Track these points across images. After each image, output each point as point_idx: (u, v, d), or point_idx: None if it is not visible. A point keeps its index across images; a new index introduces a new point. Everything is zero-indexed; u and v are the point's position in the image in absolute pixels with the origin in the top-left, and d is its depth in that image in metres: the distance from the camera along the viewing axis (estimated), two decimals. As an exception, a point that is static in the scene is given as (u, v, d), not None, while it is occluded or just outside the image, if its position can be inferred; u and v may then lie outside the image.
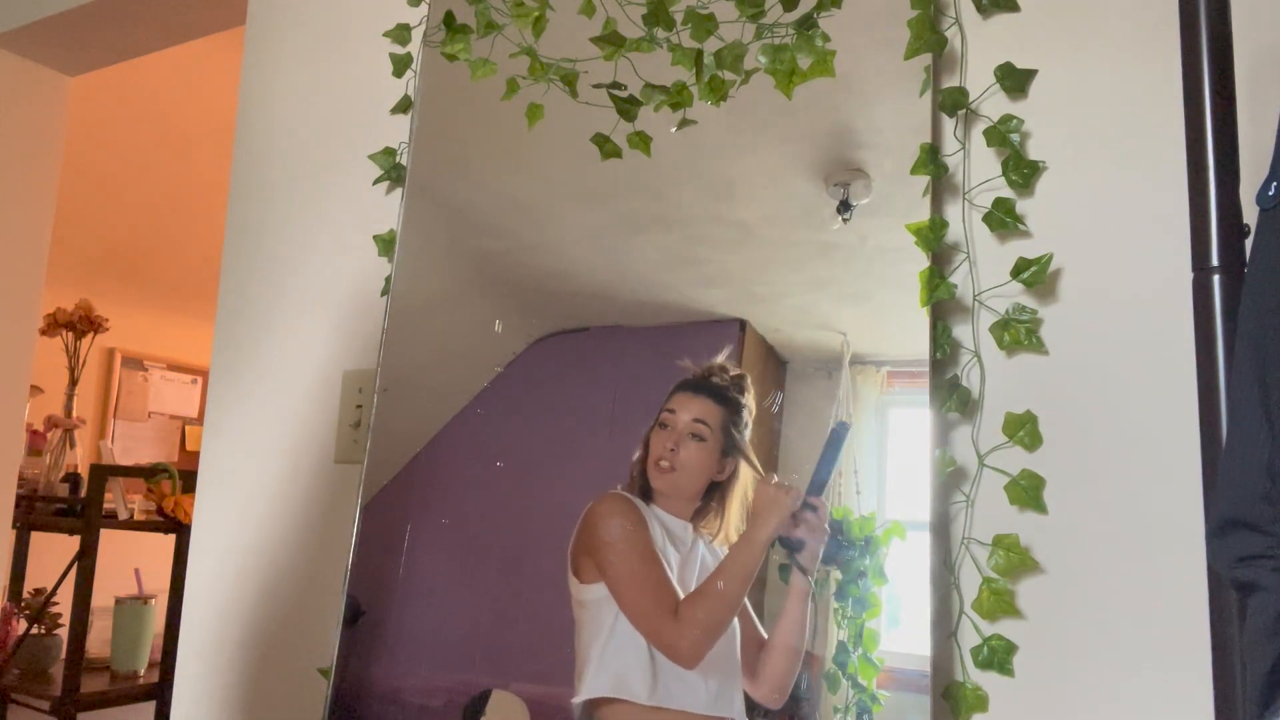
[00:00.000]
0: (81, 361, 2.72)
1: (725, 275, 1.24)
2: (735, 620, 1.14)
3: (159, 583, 2.55)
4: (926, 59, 1.16)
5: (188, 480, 2.48)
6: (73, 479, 2.60)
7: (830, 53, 1.22)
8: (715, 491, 1.20)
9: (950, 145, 1.15)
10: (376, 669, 1.32)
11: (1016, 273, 1.08)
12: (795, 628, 1.11)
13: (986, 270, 1.11)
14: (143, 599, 2.49)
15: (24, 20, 2.30)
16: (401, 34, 1.60)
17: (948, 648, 1.06)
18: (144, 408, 3.75)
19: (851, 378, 1.13)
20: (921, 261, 1.11)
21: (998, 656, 1.03)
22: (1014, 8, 1.15)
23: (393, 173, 1.56)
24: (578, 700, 1.17)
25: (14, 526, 2.46)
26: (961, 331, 1.12)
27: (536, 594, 1.26)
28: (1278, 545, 0.64)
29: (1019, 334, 1.07)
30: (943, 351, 1.10)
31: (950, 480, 1.09)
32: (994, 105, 1.14)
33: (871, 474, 1.11)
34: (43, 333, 2.61)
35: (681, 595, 1.16)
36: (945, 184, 1.15)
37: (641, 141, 1.33)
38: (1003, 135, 1.12)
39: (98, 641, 2.51)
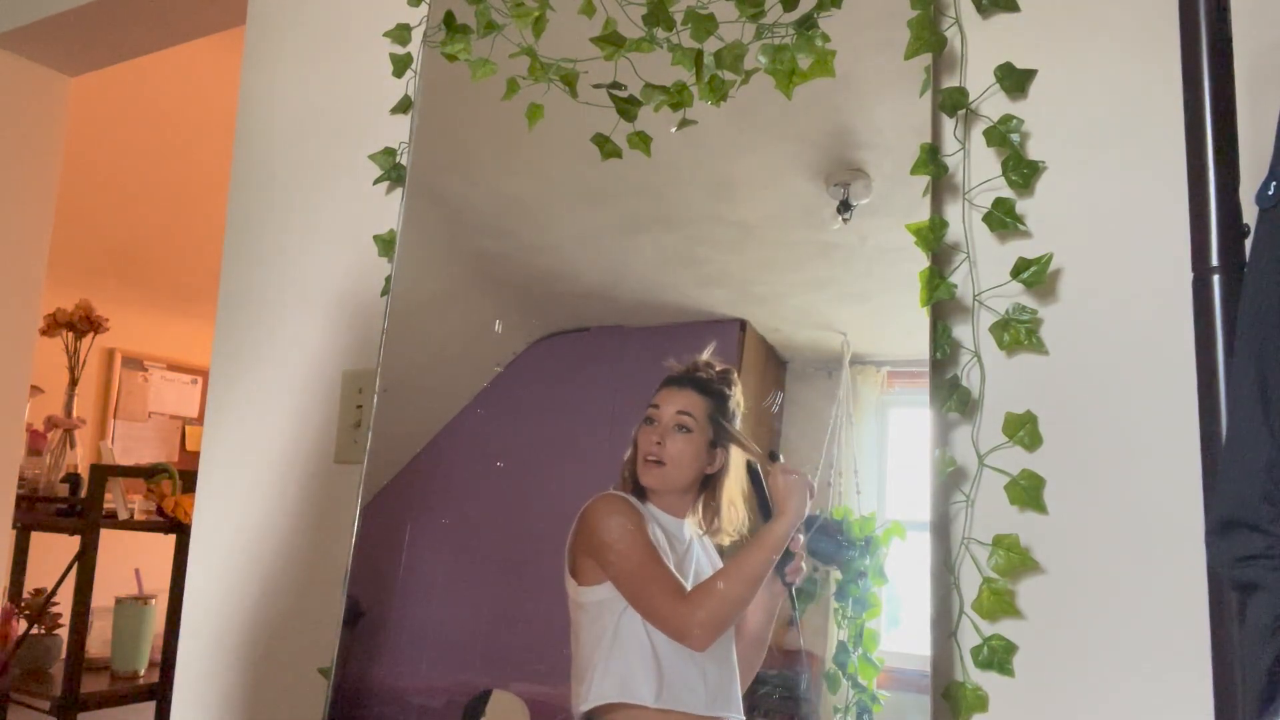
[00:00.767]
0: (81, 361, 2.72)
1: (725, 275, 1.24)
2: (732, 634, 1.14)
3: (159, 583, 2.55)
4: (926, 59, 1.16)
5: (188, 480, 2.48)
6: (73, 479, 2.60)
7: (830, 53, 1.22)
8: (708, 485, 1.20)
9: (950, 145, 1.15)
10: (376, 669, 1.32)
11: (1016, 273, 1.08)
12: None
13: (986, 270, 1.12)
14: (143, 599, 2.49)
15: (24, 20, 2.30)
16: (401, 34, 1.60)
17: (948, 648, 1.06)
18: (144, 408, 3.75)
19: (851, 378, 1.13)
20: (921, 261, 1.11)
21: (998, 656, 1.03)
22: (1014, 8, 1.15)
23: (393, 173, 1.56)
24: (584, 708, 1.16)
25: (14, 526, 2.46)
26: (961, 331, 1.12)
27: (537, 594, 1.26)
28: (1278, 545, 0.64)
29: (1019, 334, 1.07)
30: (943, 351, 1.10)
31: (950, 480, 1.09)
32: (994, 105, 1.14)
33: (871, 474, 1.11)
34: (43, 333, 2.61)
35: (684, 584, 1.16)
36: (945, 184, 1.15)
37: (641, 141, 1.33)
38: (1003, 135, 1.12)
39: (98, 641, 2.51)
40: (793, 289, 1.19)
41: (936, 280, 1.10)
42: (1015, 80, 1.12)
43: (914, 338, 1.10)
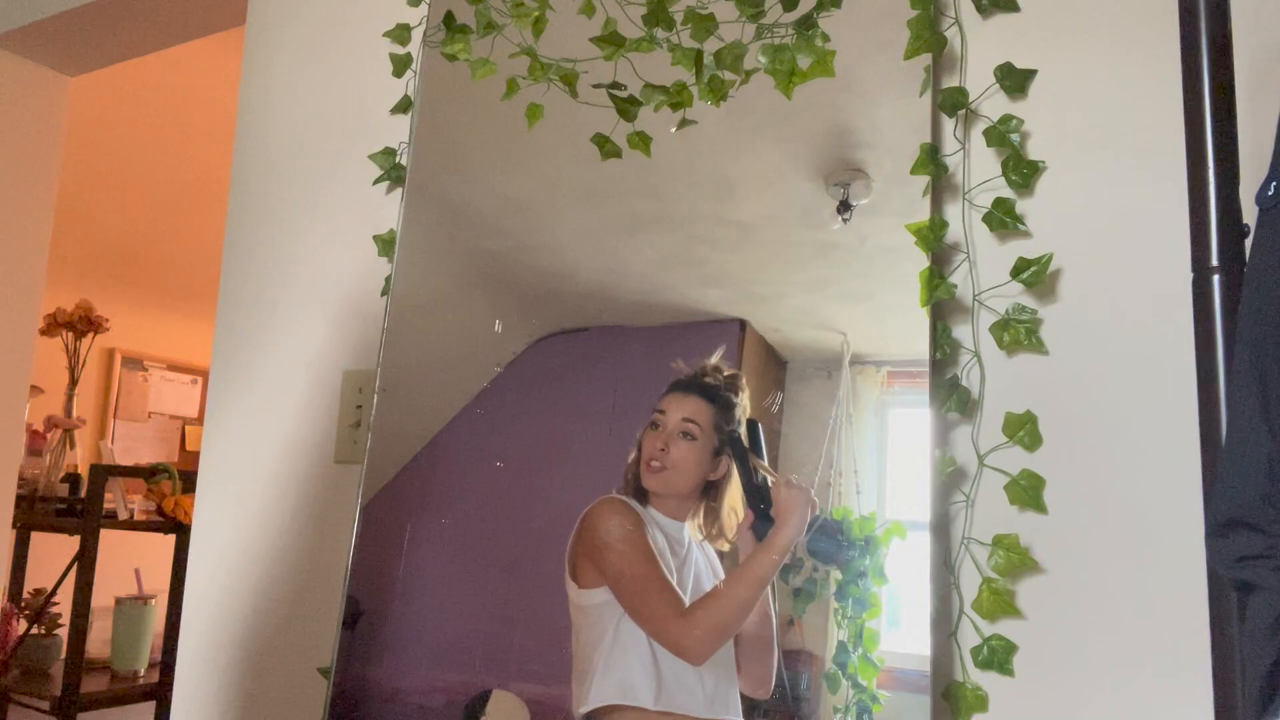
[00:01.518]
0: (81, 361, 2.72)
1: (725, 275, 1.24)
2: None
3: (159, 583, 2.55)
4: (926, 59, 1.16)
5: (188, 480, 2.48)
6: (73, 479, 2.60)
7: (830, 53, 1.22)
8: (710, 491, 1.20)
9: (950, 145, 1.15)
10: (376, 669, 1.32)
11: (1016, 273, 1.08)
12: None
13: (986, 270, 1.11)
14: (143, 599, 2.49)
15: (24, 20, 2.30)
16: (401, 34, 1.60)
17: (948, 648, 1.06)
18: (144, 408, 3.75)
19: (851, 378, 1.13)
20: (921, 261, 1.11)
21: (998, 656, 1.03)
22: (1014, 8, 1.15)
23: (393, 173, 1.56)
24: (584, 710, 1.16)
25: (14, 526, 2.46)
26: (961, 331, 1.12)
27: (536, 594, 1.26)
28: (1278, 545, 0.64)
29: (1019, 334, 1.07)
30: (943, 351, 1.10)
31: (950, 480, 1.09)
32: (994, 105, 1.14)
33: (871, 474, 1.11)
34: (43, 333, 2.61)
35: (683, 596, 1.16)
36: (945, 184, 1.15)
37: (641, 141, 1.33)
38: (1003, 135, 1.12)
39: (98, 641, 2.51)
40: (792, 289, 1.19)
41: (936, 280, 1.10)
42: (1015, 80, 1.12)
43: (914, 338, 1.10)
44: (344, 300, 1.60)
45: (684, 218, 1.29)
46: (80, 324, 2.70)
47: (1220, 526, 0.68)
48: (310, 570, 1.54)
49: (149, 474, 2.52)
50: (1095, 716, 0.99)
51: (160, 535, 2.50)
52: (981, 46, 1.16)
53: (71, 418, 2.62)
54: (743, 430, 1.17)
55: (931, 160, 1.13)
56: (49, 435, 2.64)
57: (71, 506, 2.52)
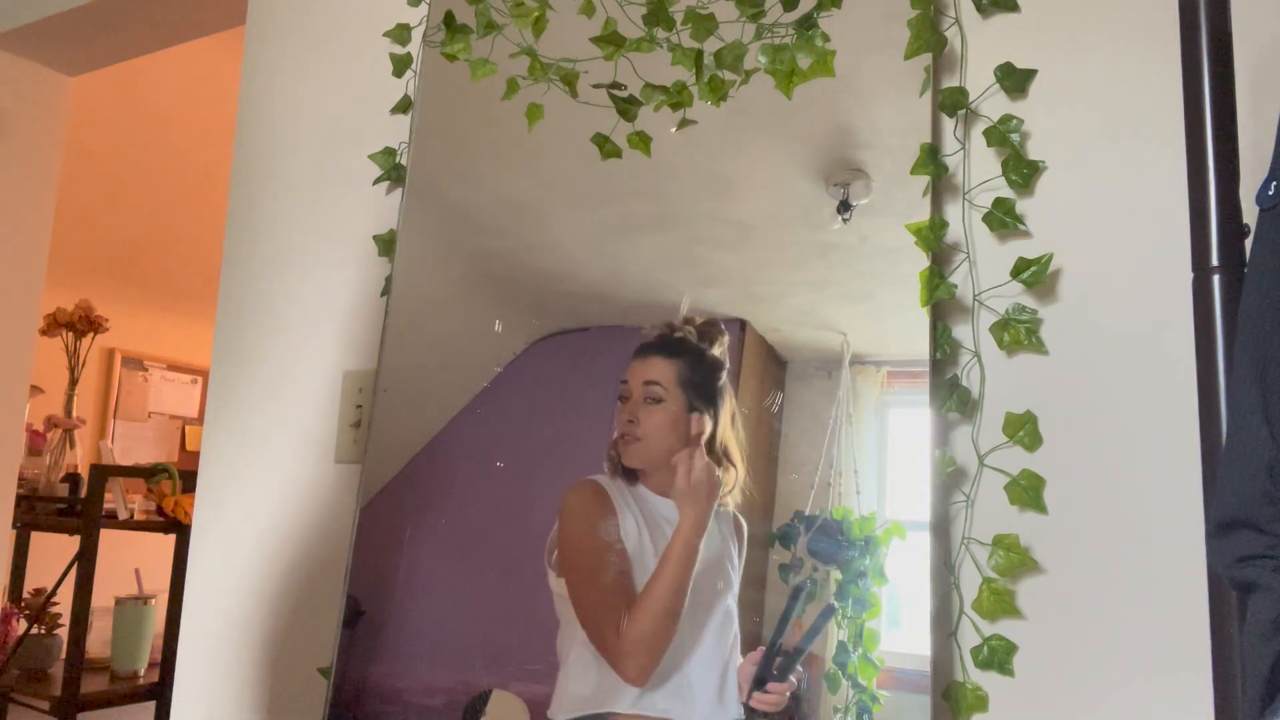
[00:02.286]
0: (81, 361, 2.72)
1: (725, 275, 1.23)
2: (734, 619, 1.12)
3: (159, 583, 2.54)
4: (926, 59, 1.16)
5: (188, 480, 2.47)
6: (73, 479, 2.60)
7: (830, 53, 1.22)
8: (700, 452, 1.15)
9: (950, 145, 1.15)
10: (376, 669, 1.32)
11: (1016, 273, 1.08)
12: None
13: (986, 270, 1.11)
14: (143, 599, 2.49)
15: (24, 20, 2.30)
16: (401, 34, 1.60)
17: (948, 648, 1.06)
18: (144, 408, 3.75)
19: (851, 378, 1.13)
20: (921, 261, 1.11)
21: (998, 656, 1.03)
22: (1014, 8, 1.15)
23: (393, 173, 1.56)
24: (561, 718, 1.13)
25: (14, 526, 2.46)
26: (961, 331, 1.12)
27: (537, 594, 1.26)
28: (1278, 545, 0.64)
29: (1019, 334, 1.07)
30: (943, 351, 1.10)
31: (950, 480, 1.09)
32: (994, 105, 1.14)
33: (871, 474, 1.11)
34: (43, 333, 2.61)
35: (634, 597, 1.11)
36: (945, 184, 1.15)
37: (641, 141, 1.33)
38: (1003, 135, 1.12)
39: (98, 641, 2.51)
40: (792, 289, 1.19)
41: (936, 280, 1.10)
42: (1015, 80, 1.12)
43: (914, 338, 1.10)
44: (344, 300, 1.60)
45: (684, 218, 1.28)
46: (80, 324, 2.70)
47: (1220, 526, 0.68)
48: (310, 570, 1.54)
49: (149, 474, 2.51)
50: (1095, 716, 0.99)
51: (160, 535, 2.50)
52: (982, 46, 1.16)
53: (71, 418, 2.62)
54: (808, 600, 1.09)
55: (931, 160, 1.13)
56: (49, 435, 2.64)
57: (71, 506, 2.52)
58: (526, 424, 1.32)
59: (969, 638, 1.05)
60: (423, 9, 1.58)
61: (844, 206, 1.17)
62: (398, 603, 1.33)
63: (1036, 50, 1.13)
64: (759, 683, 1.06)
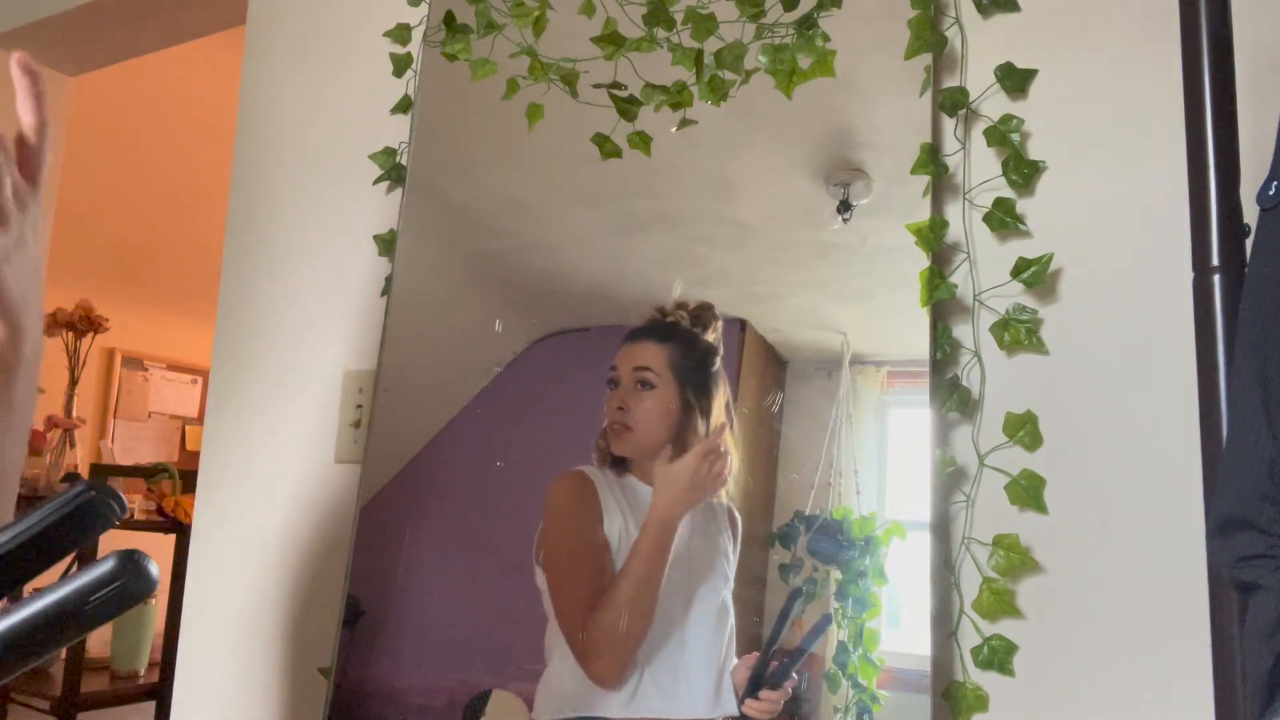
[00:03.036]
0: (81, 361, 2.72)
1: (725, 275, 1.23)
2: (730, 614, 1.11)
3: (159, 583, 2.54)
4: (926, 59, 1.16)
5: (188, 480, 2.47)
6: (73, 479, 2.60)
7: (830, 53, 1.22)
8: (694, 440, 1.12)
9: (950, 145, 1.15)
10: (376, 669, 1.32)
11: (1016, 273, 1.08)
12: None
13: (986, 270, 1.11)
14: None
15: (24, 20, 2.30)
16: (401, 34, 1.59)
17: (948, 648, 1.06)
18: (144, 408, 3.75)
19: (851, 378, 1.13)
20: (921, 261, 1.11)
21: (998, 656, 1.03)
22: (1014, 8, 1.15)
23: (393, 173, 1.56)
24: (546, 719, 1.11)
25: (14, 526, 2.46)
26: (961, 331, 1.12)
27: (536, 594, 1.25)
28: (1278, 545, 0.64)
29: (1019, 334, 1.07)
30: (943, 351, 1.10)
31: (950, 480, 1.09)
32: (994, 105, 1.14)
33: (871, 474, 1.10)
34: (43, 332, 2.61)
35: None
36: (945, 184, 1.15)
37: (641, 141, 1.33)
38: (1003, 135, 1.11)
39: (98, 641, 2.51)
40: (793, 289, 1.19)
41: (936, 280, 1.10)
42: (1015, 80, 1.12)
43: (914, 338, 1.10)
44: (344, 300, 1.60)
45: (684, 217, 1.28)
46: (80, 324, 2.70)
47: (1221, 526, 0.68)
48: (310, 570, 1.54)
49: (149, 474, 2.51)
50: (1095, 717, 0.99)
51: (160, 535, 2.50)
52: (982, 46, 1.16)
53: (71, 417, 2.62)
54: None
55: (932, 160, 1.13)
56: (49, 435, 2.64)
57: (71, 506, 2.51)
58: (526, 424, 1.32)
59: (969, 638, 1.05)
60: (423, 9, 1.58)
61: (844, 206, 1.17)
62: (398, 603, 1.33)
63: (1036, 50, 1.13)
64: (753, 686, 1.04)
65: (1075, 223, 1.08)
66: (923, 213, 1.12)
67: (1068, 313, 1.07)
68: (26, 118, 0.65)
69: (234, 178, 1.80)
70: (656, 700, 1.07)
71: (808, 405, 1.15)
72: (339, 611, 1.37)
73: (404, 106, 1.57)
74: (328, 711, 1.33)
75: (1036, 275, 1.07)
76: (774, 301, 1.19)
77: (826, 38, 1.22)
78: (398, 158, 1.56)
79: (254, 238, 1.75)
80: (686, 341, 1.12)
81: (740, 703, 1.04)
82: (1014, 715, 1.03)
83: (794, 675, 1.02)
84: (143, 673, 2.48)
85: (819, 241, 1.18)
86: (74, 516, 0.26)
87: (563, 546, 1.13)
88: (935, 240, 1.12)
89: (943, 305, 1.12)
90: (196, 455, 1.74)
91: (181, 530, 2.44)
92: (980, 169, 1.14)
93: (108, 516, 0.26)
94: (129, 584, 0.28)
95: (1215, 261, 0.84)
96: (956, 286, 1.12)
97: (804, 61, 1.23)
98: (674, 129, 1.31)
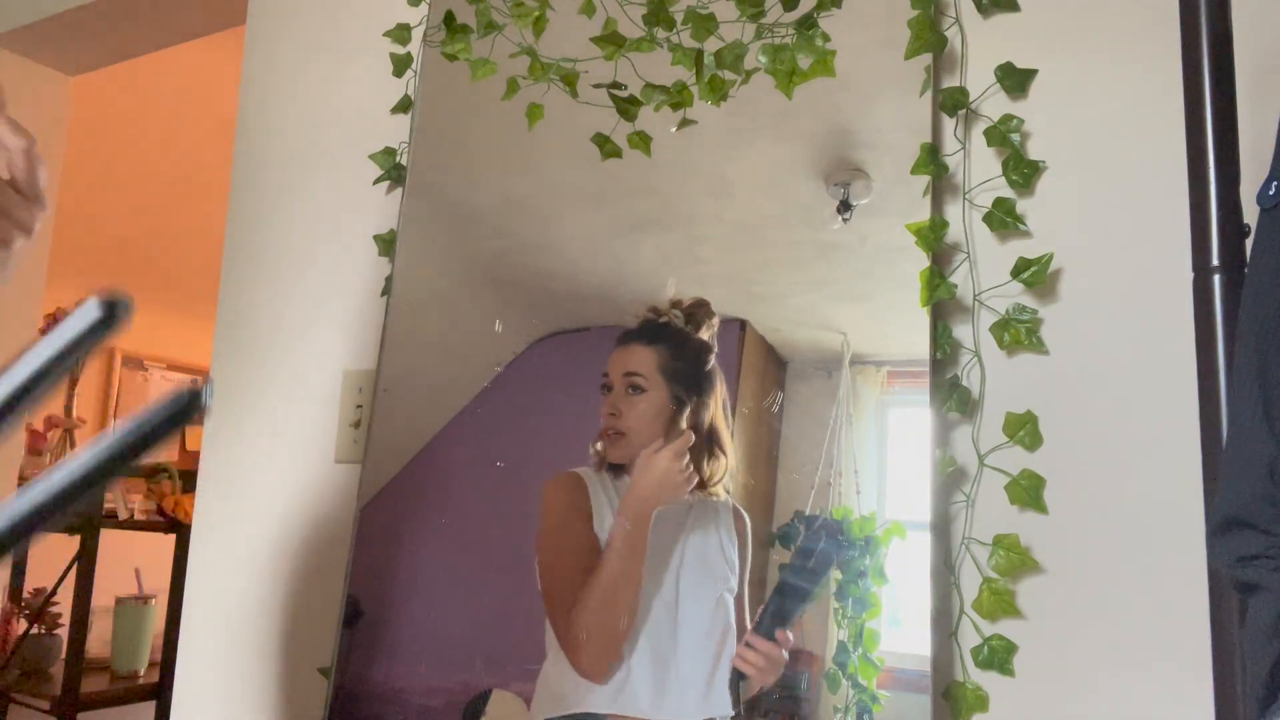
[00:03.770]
0: (81, 361, 2.71)
1: (725, 275, 1.23)
2: (729, 612, 1.10)
3: (159, 583, 2.54)
4: (926, 59, 1.16)
5: (188, 480, 2.47)
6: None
7: (830, 53, 1.22)
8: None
9: (950, 145, 1.15)
10: (376, 669, 1.32)
11: (1016, 273, 1.08)
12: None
13: (986, 270, 1.11)
14: (143, 599, 2.48)
15: (24, 20, 2.30)
16: (401, 34, 1.59)
17: (948, 648, 1.06)
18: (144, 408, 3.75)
19: (851, 378, 1.13)
20: (921, 261, 1.11)
21: (998, 656, 1.03)
22: (1014, 8, 1.15)
23: (393, 173, 1.56)
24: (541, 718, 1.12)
25: (14, 526, 2.46)
26: (962, 331, 1.12)
27: (536, 593, 1.25)
28: (1278, 545, 0.64)
29: (1019, 334, 1.07)
30: (943, 351, 1.10)
31: (950, 480, 1.09)
32: (994, 105, 1.14)
33: (871, 474, 1.10)
34: (42, 332, 2.61)
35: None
36: (945, 184, 1.15)
37: (641, 141, 1.33)
38: (1003, 135, 1.11)
39: (98, 641, 2.51)
40: (793, 289, 1.19)
41: (936, 280, 1.10)
42: (1015, 80, 1.12)
43: (914, 338, 1.10)
44: (344, 300, 1.60)
45: (684, 218, 1.28)
46: (80, 324, 2.69)
47: (1221, 526, 0.68)
48: (310, 570, 1.54)
49: (149, 474, 2.51)
50: (1095, 716, 0.99)
51: (160, 535, 2.50)
52: (982, 46, 1.16)
53: (71, 417, 2.62)
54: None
55: (932, 160, 1.13)
56: (49, 435, 2.64)
57: (71, 506, 2.51)
58: (526, 424, 1.32)
59: (969, 638, 1.05)
60: (423, 9, 1.58)
61: (844, 206, 1.17)
62: (398, 603, 1.33)
63: (1036, 50, 1.13)
64: (766, 629, 1.02)
65: (1075, 223, 1.08)
66: (923, 213, 1.12)
67: (1068, 313, 1.07)
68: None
69: (234, 178, 1.80)
70: (646, 697, 1.07)
71: (808, 405, 1.15)
72: (339, 611, 1.37)
73: (404, 106, 1.57)
74: (328, 711, 1.33)
75: (1036, 275, 1.07)
76: (774, 301, 1.19)
77: (826, 38, 1.22)
78: (398, 158, 1.56)
79: (254, 238, 1.75)
80: (677, 342, 1.12)
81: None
82: (1014, 715, 1.03)
83: (789, 635, 1.01)
84: (143, 673, 2.48)
85: (819, 241, 1.18)
86: (181, 411, 0.27)
87: (551, 546, 1.14)
88: (935, 240, 1.11)
89: (943, 305, 1.12)
90: (196, 455, 1.74)
91: (181, 530, 2.44)
92: (980, 169, 1.14)
93: (202, 406, 0.27)
94: (106, 321, 0.28)
95: (1215, 261, 0.84)
96: (956, 286, 1.12)
97: (804, 61, 1.23)
98: (674, 129, 1.31)
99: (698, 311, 1.13)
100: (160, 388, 3.80)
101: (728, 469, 1.13)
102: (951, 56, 1.17)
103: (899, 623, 1.06)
